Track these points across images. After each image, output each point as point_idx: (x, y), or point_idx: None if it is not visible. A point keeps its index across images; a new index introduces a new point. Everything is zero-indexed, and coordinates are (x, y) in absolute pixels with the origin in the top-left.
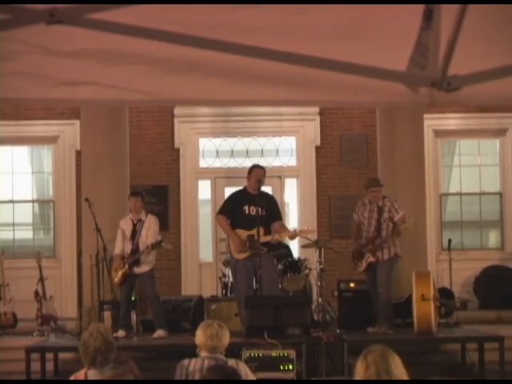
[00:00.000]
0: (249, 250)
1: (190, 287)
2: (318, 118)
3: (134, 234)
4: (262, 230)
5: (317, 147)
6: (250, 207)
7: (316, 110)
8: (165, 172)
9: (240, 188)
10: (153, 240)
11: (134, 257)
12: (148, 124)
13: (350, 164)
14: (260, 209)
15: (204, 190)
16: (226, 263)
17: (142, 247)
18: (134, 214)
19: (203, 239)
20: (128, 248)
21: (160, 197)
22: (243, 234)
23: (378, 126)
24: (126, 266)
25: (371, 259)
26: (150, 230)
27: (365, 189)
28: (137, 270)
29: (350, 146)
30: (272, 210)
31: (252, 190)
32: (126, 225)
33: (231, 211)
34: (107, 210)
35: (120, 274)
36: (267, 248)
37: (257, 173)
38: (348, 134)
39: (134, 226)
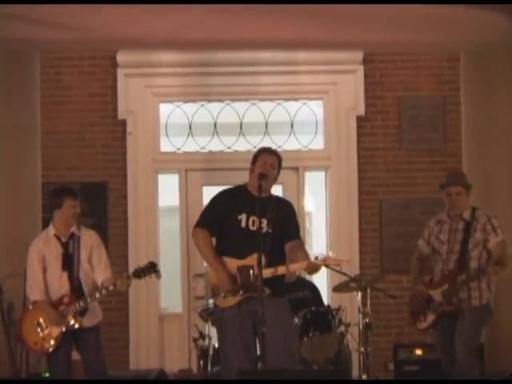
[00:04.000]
0: (241, 291)
1: (144, 355)
2: (360, 70)
3: (69, 260)
4: (265, 259)
5: (359, 119)
6: (249, 218)
7: (358, 56)
8: (102, 161)
9: (236, 185)
10: (109, 274)
11: (84, 300)
12: (73, 80)
13: (416, 147)
14: (266, 222)
15: (168, 190)
16: (206, 315)
17: (86, 281)
18: (60, 228)
19: (167, 274)
20: (62, 285)
21: (94, 202)
22: (233, 264)
23: (462, 83)
24: (70, 317)
25: (444, 308)
26: (96, 253)
27: (440, 190)
28: (83, 322)
29: (416, 117)
30: (286, 225)
31: (254, 189)
32: (48, 247)
33: (217, 223)
34: (2, 225)
35: (57, 331)
36: (275, 288)
37: (263, 161)
38: (412, 97)
39: (65, 246)
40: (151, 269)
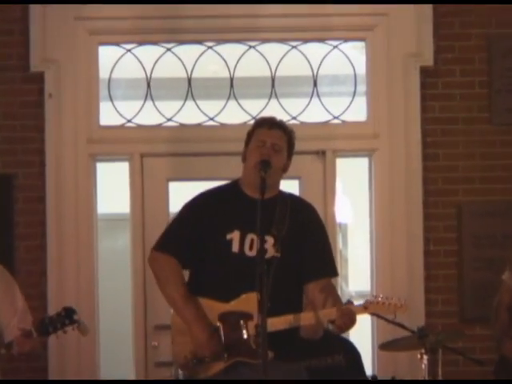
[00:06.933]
0: (225, 354)
1: None
2: None
3: None
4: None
5: (425, 71)
6: (245, 237)
7: None
8: (4, 141)
9: (223, 183)
10: (24, 320)
11: None
12: None
13: None
14: (271, 241)
15: (114, 188)
16: None
17: None
18: None
19: (111, 326)
20: None
21: None
22: (215, 309)
23: None
24: None
25: None
26: (4, 302)
27: None
28: None
29: None
30: (306, 247)
31: (251, 188)
32: None
33: (192, 247)
34: None
35: None
36: (282, 348)
37: (259, 141)
38: (508, 35)
39: None
40: (65, 318)
